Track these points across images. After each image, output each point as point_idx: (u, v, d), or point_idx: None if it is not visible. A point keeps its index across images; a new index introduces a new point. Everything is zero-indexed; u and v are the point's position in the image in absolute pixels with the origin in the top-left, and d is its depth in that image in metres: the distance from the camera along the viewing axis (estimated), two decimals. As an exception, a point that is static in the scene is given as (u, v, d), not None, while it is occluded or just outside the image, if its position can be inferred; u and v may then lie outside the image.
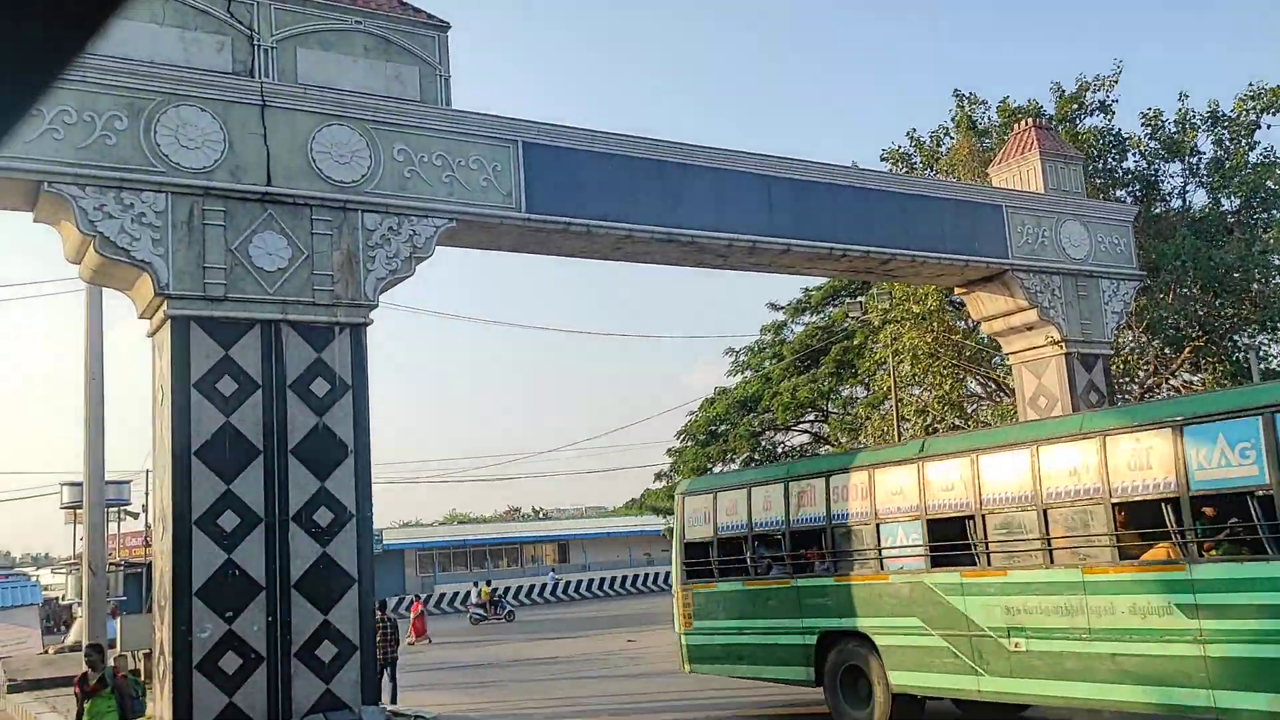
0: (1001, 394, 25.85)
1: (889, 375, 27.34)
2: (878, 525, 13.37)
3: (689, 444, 34.82)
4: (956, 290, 21.02)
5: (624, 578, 60.63)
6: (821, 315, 34.31)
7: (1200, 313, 21.03)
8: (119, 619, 20.70)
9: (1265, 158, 22.29)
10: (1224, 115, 22.73)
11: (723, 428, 34.51)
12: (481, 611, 40.56)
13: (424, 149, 14.32)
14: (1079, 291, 20.30)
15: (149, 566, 39.13)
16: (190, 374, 12.48)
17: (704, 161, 16.57)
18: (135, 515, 41.87)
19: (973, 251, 19.10)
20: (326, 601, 12.81)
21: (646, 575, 61.66)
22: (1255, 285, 21.14)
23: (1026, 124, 21.31)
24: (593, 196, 15.51)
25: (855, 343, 29.84)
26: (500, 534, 71.99)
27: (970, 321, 24.87)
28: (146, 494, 45.63)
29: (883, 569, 13.30)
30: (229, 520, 12.39)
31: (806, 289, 34.13)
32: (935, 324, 23.94)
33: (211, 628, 12.12)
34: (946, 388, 24.73)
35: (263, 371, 12.89)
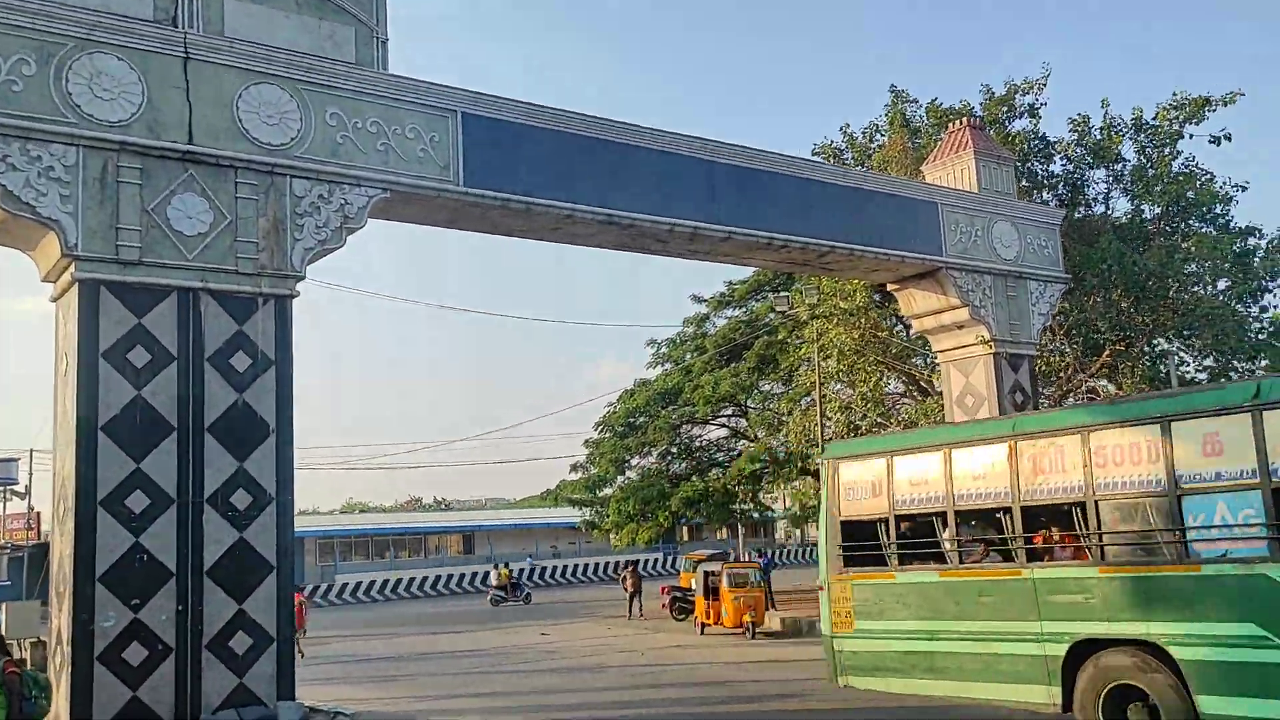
0: (920, 393, 25.98)
1: (813, 371, 27.21)
2: (1178, 498, 10.05)
3: (607, 435, 34.34)
4: (889, 286, 20.95)
5: (531, 570, 59.51)
6: (744, 309, 34.17)
7: (1121, 318, 21.34)
8: (3, 606, 19.42)
9: (1186, 167, 22.75)
10: (1147, 123, 23.12)
11: (641, 420, 34.12)
12: (502, 594, 39.75)
13: (358, 114, 13.58)
14: (1008, 292, 20.43)
15: (36, 549, 37.20)
16: (99, 342, 11.58)
17: (647, 143, 16.12)
18: (21, 495, 39.79)
19: (909, 247, 19.05)
20: (242, 590, 12.02)
21: (555, 568, 60.49)
22: (1173, 292, 21.54)
23: (961, 123, 21.36)
24: (533, 173, 14.94)
25: (779, 338, 29.72)
26: (406, 523, 70.47)
27: (895, 319, 24.93)
28: (32, 473, 43.50)
29: (1188, 556, 10.01)
30: (138, 501, 11.53)
31: (730, 282, 33.99)
32: (862, 320, 23.89)
33: (116, 616, 11.26)
34: (871, 385, 24.73)
35: (179, 342, 12.04)
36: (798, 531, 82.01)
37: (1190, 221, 23.22)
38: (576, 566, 59.59)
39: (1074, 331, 21.85)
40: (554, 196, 15.07)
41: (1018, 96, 23.70)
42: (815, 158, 24.93)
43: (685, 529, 60.85)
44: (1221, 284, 22.44)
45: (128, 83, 12.00)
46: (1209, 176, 22.46)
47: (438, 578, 54.26)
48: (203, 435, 12.02)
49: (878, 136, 24.77)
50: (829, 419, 26.39)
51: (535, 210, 14.98)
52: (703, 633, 25.21)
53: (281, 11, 13.37)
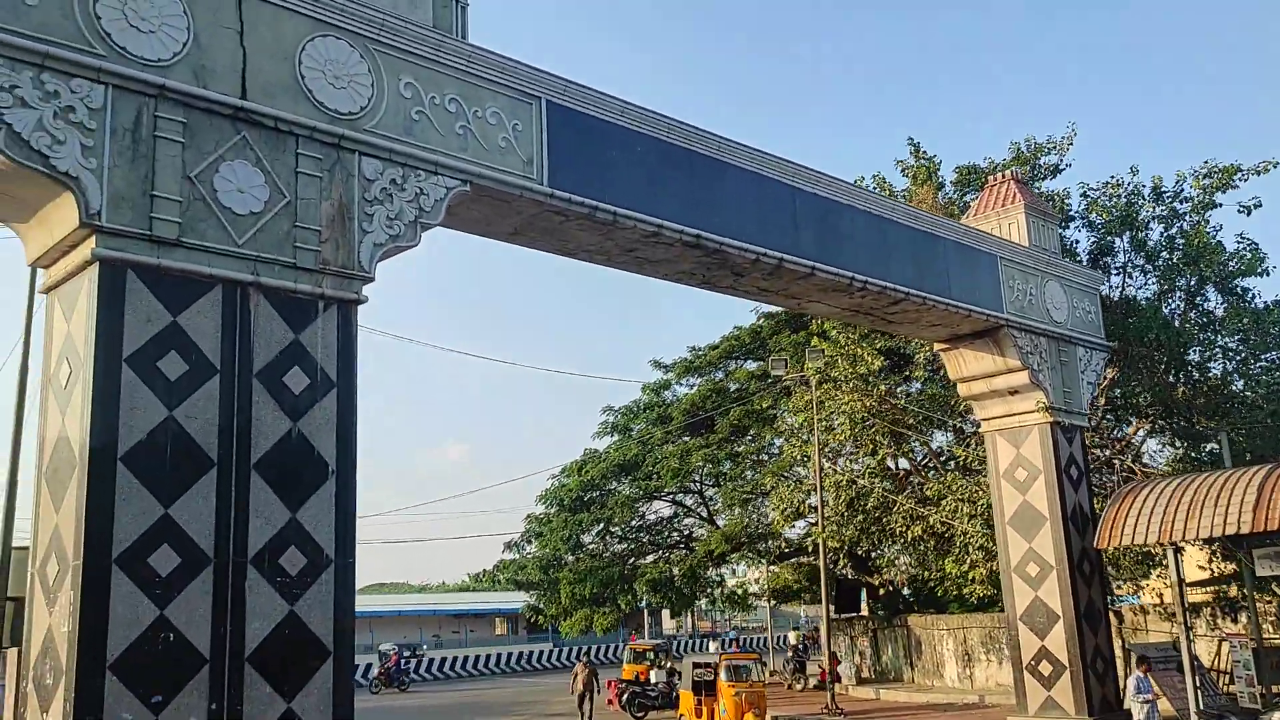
0: (932, 464, 24.25)
1: (806, 441, 25.17)
2: None
3: (554, 509, 31.47)
4: (936, 346, 19.18)
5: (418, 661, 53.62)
6: (704, 378, 32.07)
7: (1163, 392, 20.11)
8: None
9: (1212, 237, 21.95)
10: (1168, 191, 22.33)
11: (592, 494, 31.41)
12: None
13: (436, 88, 11.08)
14: (1060, 357, 18.92)
15: None
16: (123, 343, 8.61)
17: (737, 161, 14.03)
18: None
19: (974, 301, 17.35)
20: (291, 683, 9.02)
21: (442, 660, 53.99)
22: (1210, 367, 20.53)
23: (1005, 176, 20.01)
24: (620, 181, 12.64)
25: (763, 406, 27.69)
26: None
27: (911, 387, 23.27)
28: None
29: None
30: (164, 559, 8.49)
31: (694, 348, 31.89)
32: (878, 387, 22.12)
33: (131, 719, 8.12)
34: (879, 457, 22.87)
35: (222, 351, 9.15)
36: (687, 620, 79.36)
37: (1207, 291, 22.37)
38: (466, 659, 54.13)
39: (1119, 404, 20.51)
40: (642, 209, 12.76)
41: (1042, 157, 22.65)
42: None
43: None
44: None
45: (171, 14, 9.27)
46: (1252, 246, 21.59)
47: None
48: (248, 474, 9.09)
49: (895, 190, 23.32)
50: (827, 493, 24.37)
51: (621, 224, 12.62)
52: (692, 732, 22.45)
53: (352, -45, 10.85)
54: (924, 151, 23.19)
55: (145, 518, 8.45)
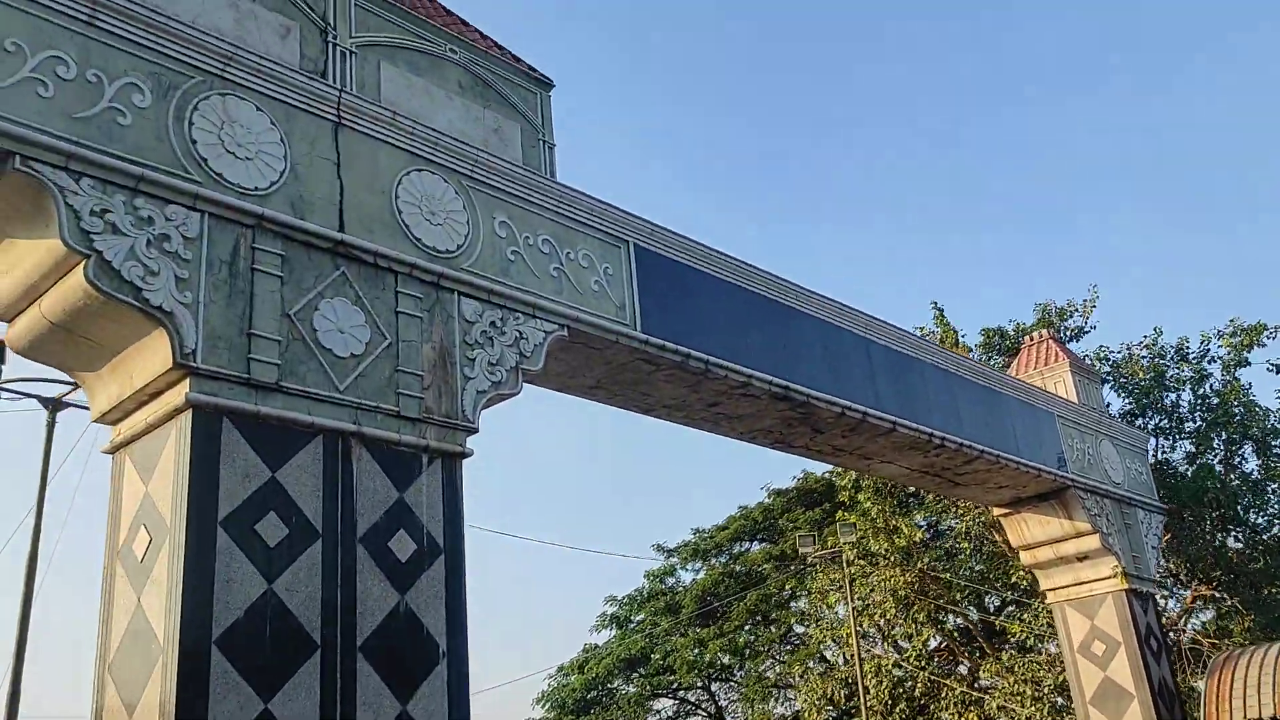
0: (978, 644, 22.76)
1: (823, 627, 23.70)
2: None
3: (554, 712, 29.11)
4: (995, 511, 18.19)
5: None
6: (708, 562, 30.51)
7: (1224, 555, 19.23)
8: None
9: (1246, 394, 21.59)
10: (1193, 352, 22.11)
11: (592, 693, 29.19)
12: None
13: (530, 228, 10.26)
14: (1125, 520, 18.01)
15: None
16: (218, 504, 7.29)
17: (813, 310, 13.29)
18: None
19: (1041, 460, 16.51)
20: None
21: None
22: (1273, 529, 19.75)
23: (1043, 335, 19.60)
24: (707, 329, 11.76)
25: (785, 588, 26.18)
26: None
27: (947, 558, 22.10)
28: None
29: None
30: (265, 767, 6.93)
31: (699, 529, 30.45)
32: (921, 560, 20.91)
33: None
34: (923, 637, 21.43)
35: (324, 512, 7.84)
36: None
37: (1245, 453, 21.84)
38: None
39: (1182, 569, 19.53)
40: (732, 359, 11.86)
41: (1065, 320, 22.42)
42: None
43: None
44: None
45: (268, 142, 8.40)
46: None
47: None
48: (354, 659, 7.63)
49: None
50: (866, 680, 22.69)
51: (712, 374, 11.67)
52: None
53: (443, 90, 10.21)
54: (945, 317, 22.87)
55: (242, 716, 6.93)
